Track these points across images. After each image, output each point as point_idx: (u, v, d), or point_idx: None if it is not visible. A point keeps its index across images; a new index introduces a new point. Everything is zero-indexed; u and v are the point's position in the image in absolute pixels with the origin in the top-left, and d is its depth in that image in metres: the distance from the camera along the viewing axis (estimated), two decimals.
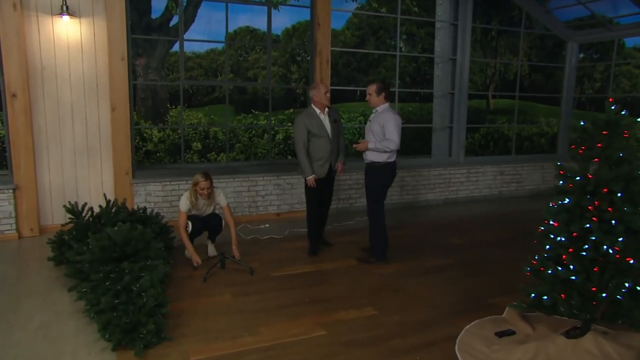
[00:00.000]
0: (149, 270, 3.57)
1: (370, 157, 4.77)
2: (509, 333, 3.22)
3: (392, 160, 4.77)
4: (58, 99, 5.52)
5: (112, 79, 5.58)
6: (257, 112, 10.49)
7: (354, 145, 4.90)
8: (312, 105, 4.99)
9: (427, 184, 7.84)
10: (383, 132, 4.66)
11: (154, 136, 8.40)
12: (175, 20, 8.18)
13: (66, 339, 3.22)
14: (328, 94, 4.96)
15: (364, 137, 5.02)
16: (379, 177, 4.79)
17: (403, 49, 7.85)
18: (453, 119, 8.21)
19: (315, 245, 5.19)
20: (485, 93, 12.79)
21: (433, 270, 4.74)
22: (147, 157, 7.75)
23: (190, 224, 4.71)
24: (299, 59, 12.24)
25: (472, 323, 3.43)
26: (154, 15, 7.91)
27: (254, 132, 9.84)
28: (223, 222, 4.93)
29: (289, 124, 11.65)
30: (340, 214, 6.96)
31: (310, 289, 4.15)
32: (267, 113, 10.10)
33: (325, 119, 4.98)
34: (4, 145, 7.90)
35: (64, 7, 5.23)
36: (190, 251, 4.59)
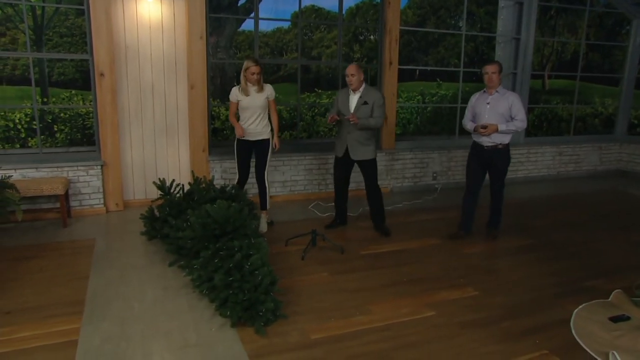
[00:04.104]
0: (255, 249, 3.66)
1: (497, 139, 4.66)
2: (624, 318, 3.20)
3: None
4: (140, 78, 5.62)
5: (190, 58, 5.63)
6: (320, 91, 10.45)
7: (481, 131, 4.61)
8: None
9: None
10: (510, 113, 4.61)
11: (221, 114, 8.49)
12: (242, 0, 8.21)
13: (183, 314, 3.32)
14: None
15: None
16: (509, 157, 4.81)
17: (463, 28, 7.70)
18: None
19: (337, 216, 5.33)
20: (541, 73, 12.54)
21: (518, 251, 4.73)
22: (213, 134, 7.80)
23: (237, 172, 5.12)
24: (361, 37, 12.08)
25: (581, 307, 3.43)
26: None
27: (316, 110, 9.87)
28: (270, 144, 5.04)
29: None
30: (406, 192, 7.01)
31: (403, 268, 4.18)
32: (329, 92, 10.11)
33: (352, 98, 4.88)
34: (85, 123, 8.09)
35: None
36: (236, 126, 4.92)
